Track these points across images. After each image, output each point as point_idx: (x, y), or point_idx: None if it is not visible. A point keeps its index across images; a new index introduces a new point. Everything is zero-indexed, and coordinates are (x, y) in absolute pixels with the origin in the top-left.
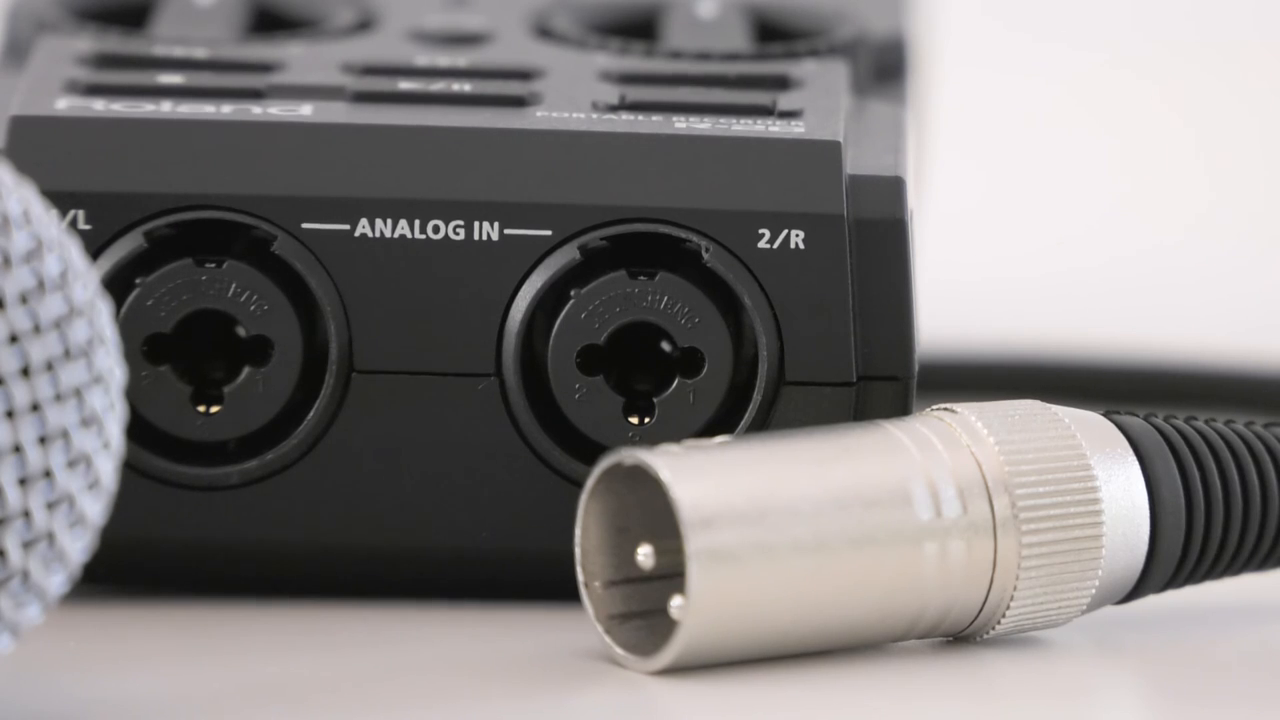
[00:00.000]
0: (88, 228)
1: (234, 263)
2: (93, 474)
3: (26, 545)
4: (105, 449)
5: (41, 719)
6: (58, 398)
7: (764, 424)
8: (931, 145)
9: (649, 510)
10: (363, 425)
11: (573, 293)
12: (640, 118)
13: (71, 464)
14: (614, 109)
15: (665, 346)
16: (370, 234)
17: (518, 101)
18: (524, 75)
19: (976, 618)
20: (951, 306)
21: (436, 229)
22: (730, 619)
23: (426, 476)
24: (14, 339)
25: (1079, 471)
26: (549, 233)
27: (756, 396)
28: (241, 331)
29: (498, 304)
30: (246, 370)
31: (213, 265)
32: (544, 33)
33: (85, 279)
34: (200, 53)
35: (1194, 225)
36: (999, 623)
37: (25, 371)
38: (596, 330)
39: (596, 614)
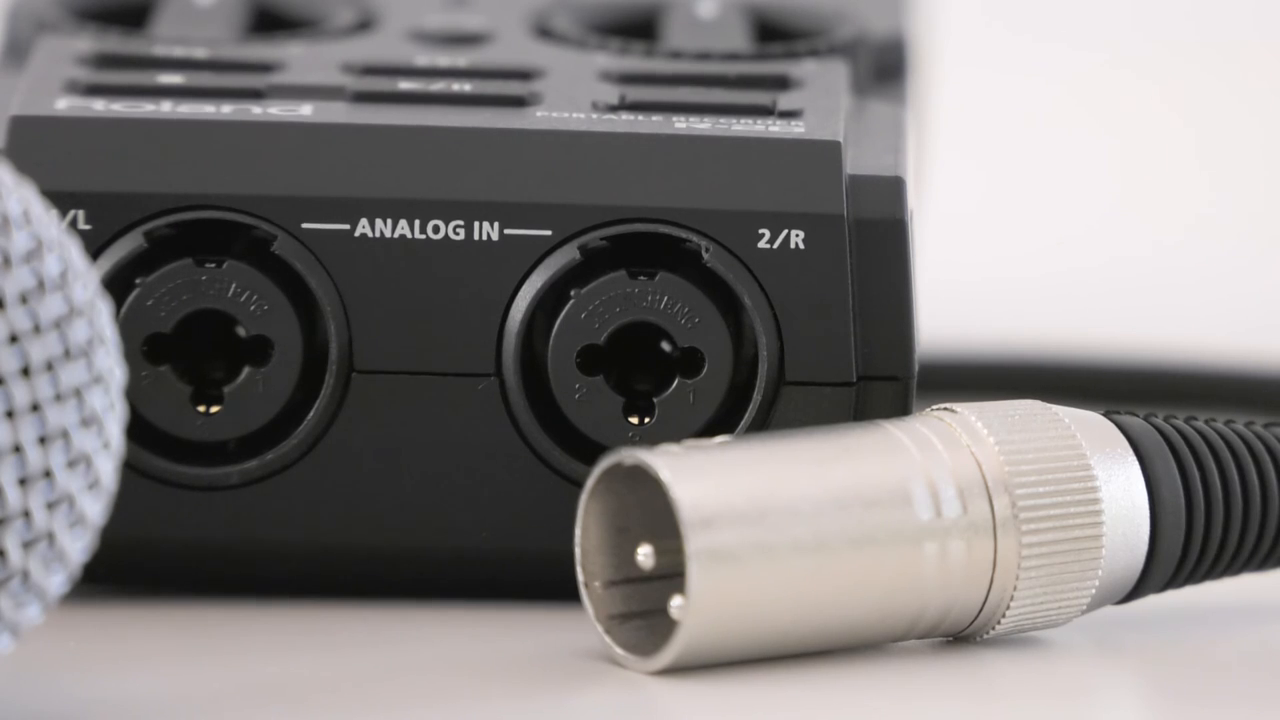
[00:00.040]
0: (88, 228)
1: (234, 263)
2: (93, 474)
3: (26, 545)
4: (105, 449)
5: (41, 719)
6: (58, 398)
7: (764, 424)
8: (931, 145)
9: (649, 510)
10: (363, 425)
11: (573, 293)
12: (640, 118)
13: (71, 464)
14: (614, 109)
15: (665, 346)
16: (370, 234)
17: (518, 101)
18: (524, 75)
19: (976, 618)
20: (951, 306)
21: (436, 229)
22: (730, 619)
23: (426, 476)
24: (14, 339)
25: (1079, 471)
26: (549, 233)
27: (756, 396)
28: (241, 331)
29: (498, 304)
30: (246, 370)
31: (213, 265)
32: (544, 33)
33: (85, 279)
34: (200, 53)
35: (1194, 225)
36: (999, 623)
37: (25, 371)
38: (596, 330)
39: (596, 614)
